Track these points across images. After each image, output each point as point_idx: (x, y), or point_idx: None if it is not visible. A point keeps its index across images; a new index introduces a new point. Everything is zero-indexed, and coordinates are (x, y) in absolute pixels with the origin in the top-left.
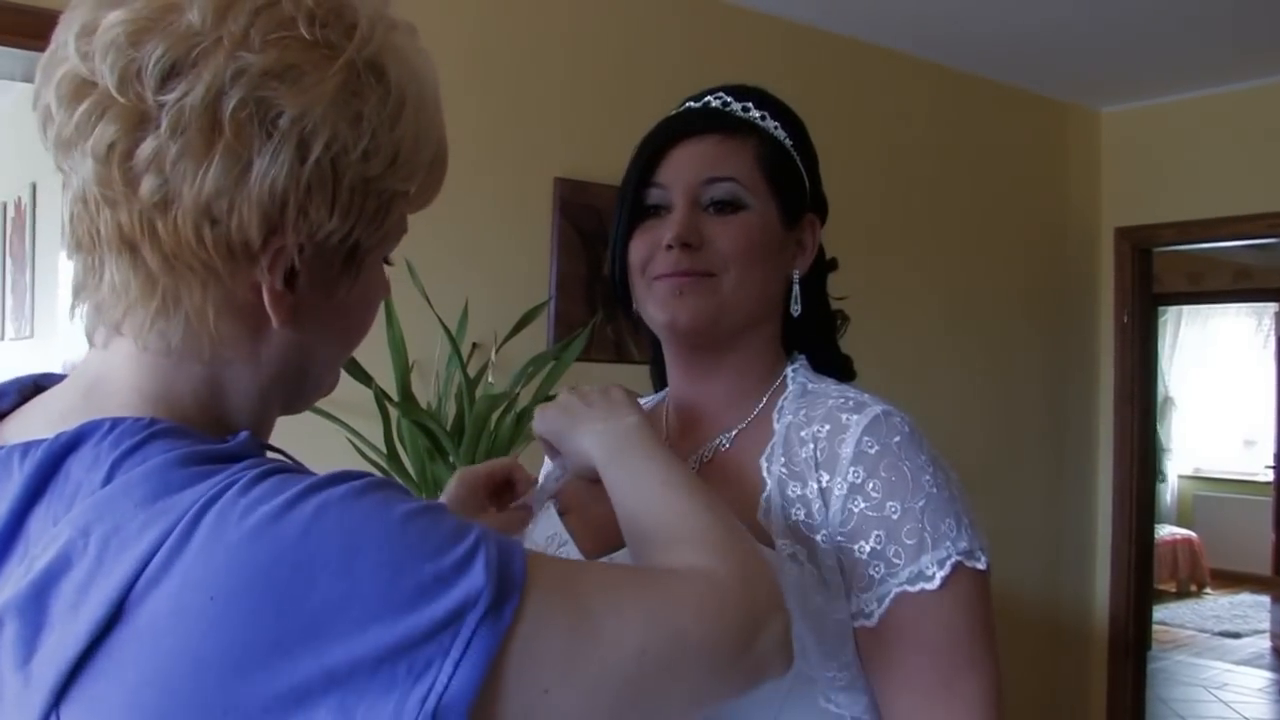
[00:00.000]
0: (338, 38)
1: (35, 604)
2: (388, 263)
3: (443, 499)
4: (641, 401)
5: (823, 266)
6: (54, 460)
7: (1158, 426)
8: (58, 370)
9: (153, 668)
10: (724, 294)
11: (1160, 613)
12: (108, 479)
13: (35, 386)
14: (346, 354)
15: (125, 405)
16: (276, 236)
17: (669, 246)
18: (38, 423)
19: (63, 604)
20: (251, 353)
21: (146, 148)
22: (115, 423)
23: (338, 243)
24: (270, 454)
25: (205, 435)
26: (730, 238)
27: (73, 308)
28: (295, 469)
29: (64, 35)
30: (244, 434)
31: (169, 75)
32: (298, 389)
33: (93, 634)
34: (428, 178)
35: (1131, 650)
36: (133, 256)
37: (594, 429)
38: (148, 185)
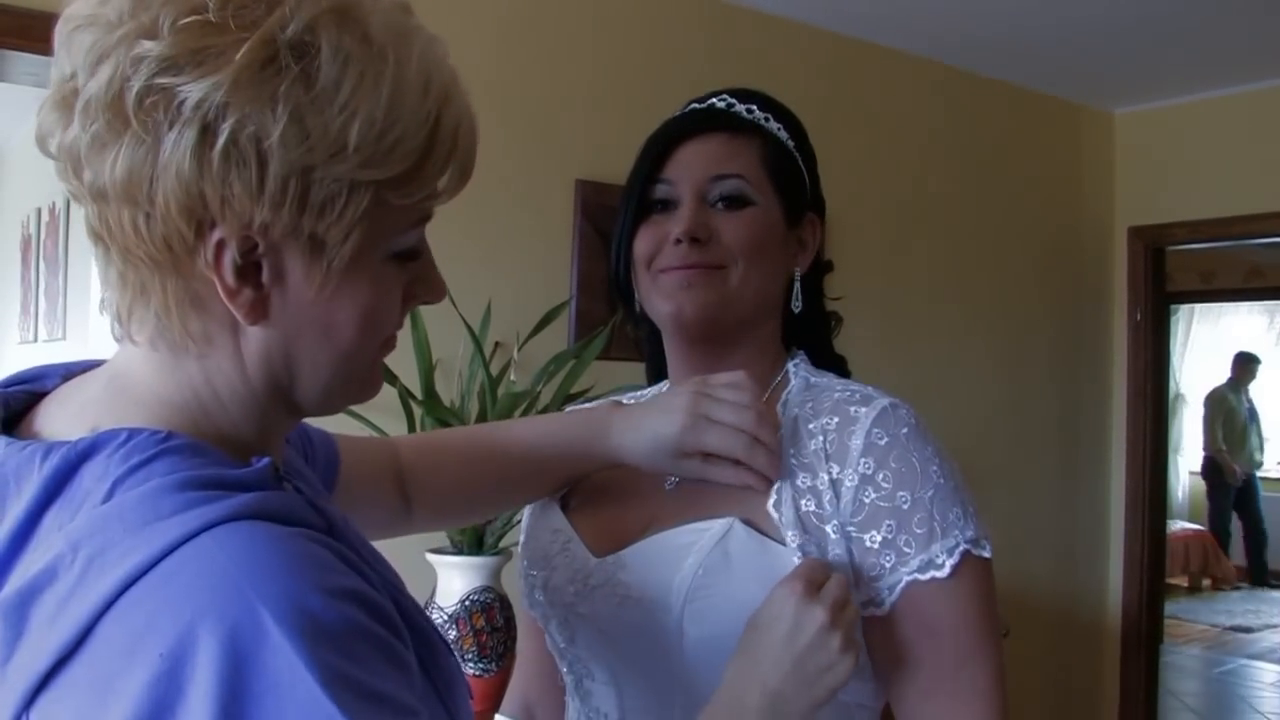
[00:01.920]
0: (255, 18)
1: (19, 611)
2: (412, 257)
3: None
4: (638, 395)
5: (820, 267)
6: (70, 466)
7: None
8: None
9: (99, 700)
10: (731, 287)
11: (1172, 607)
12: (108, 495)
13: (83, 371)
14: (347, 358)
15: (140, 401)
16: (209, 229)
17: (678, 240)
18: (63, 412)
19: (42, 616)
20: (235, 351)
21: (68, 138)
22: (132, 434)
23: (289, 236)
24: (287, 486)
25: (222, 455)
26: (738, 232)
27: (101, 304)
28: (290, 523)
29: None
30: (264, 461)
31: (94, 68)
32: (292, 390)
33: (61, 652)
34: (421, 167)
35: (1144, 644)
36: (105, 251)
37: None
38: (86, 176)
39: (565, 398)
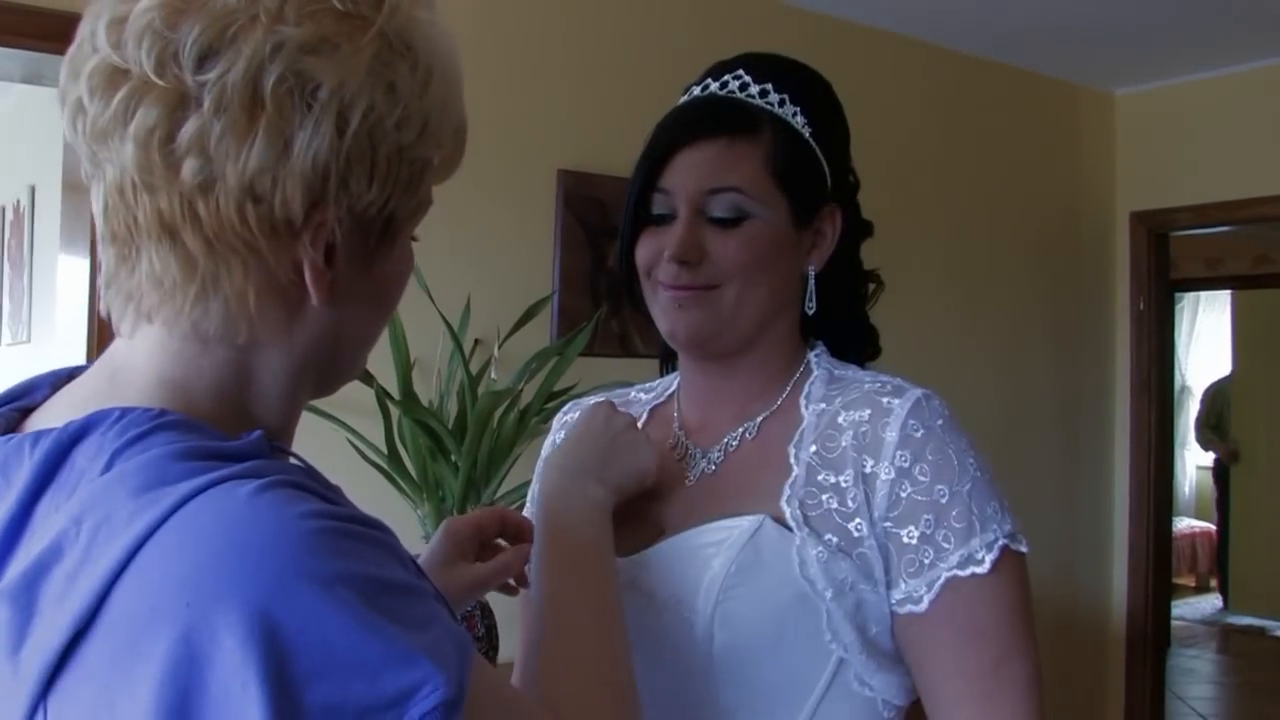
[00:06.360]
0: (368, 9)
1: (27, 592)
2: (414, 238)
3: (426, 554)
4: (649, 387)
5: (857, 232)
6: (62, 449)
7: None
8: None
9: (124, 669)
10: (725, 306)
11: (1180, 608)
12: (107, 467)
13: (69, 378)
14: (376, 332)
15: (143, 392)
16: (318, 211)
17: (670, 259)
18: (61, 410)
19: (52, 593)
20: (286, 334)
21: (189, 129)
22: (124, 412)
23: (375, 214)
24: (280, 456)
25: (216, 430)
26: (731, 252)
27: (103, 299)
28: (297, 483)
29: (91, 28)
30: (257, 433)
31: (207, 55)
32: (329, 370)
33: (76, 626)
34: (453, 147)
35: (1150, 647)
36: (172, 242)
37: (563, 473)
38: (190, 167)
39: (548, 396)
